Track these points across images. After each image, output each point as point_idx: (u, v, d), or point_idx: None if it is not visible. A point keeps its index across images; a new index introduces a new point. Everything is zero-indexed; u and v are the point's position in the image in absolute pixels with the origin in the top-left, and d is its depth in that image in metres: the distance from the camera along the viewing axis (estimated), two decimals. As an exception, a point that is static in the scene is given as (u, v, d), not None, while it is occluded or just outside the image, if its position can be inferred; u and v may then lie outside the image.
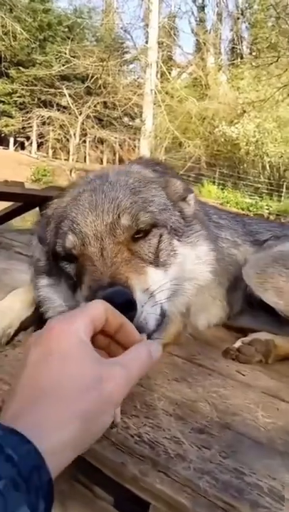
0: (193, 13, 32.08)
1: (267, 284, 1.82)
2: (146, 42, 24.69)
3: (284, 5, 13.40)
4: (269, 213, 21.11)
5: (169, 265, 1.37)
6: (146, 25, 25.01)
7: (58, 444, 0.62)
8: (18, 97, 26.81)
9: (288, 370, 1.65)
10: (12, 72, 25.58)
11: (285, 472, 1.01)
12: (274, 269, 1.85)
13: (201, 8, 32.62)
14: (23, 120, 27.09)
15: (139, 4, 25.46)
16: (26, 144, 28.44)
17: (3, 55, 24.10)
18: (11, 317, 1.64)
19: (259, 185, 26.09)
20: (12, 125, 27.51)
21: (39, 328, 0.78)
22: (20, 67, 25.06)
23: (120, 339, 0.85)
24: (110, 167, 1.59)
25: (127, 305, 1.02)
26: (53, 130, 26.26)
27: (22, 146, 30.42)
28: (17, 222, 5.71)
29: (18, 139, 30.24)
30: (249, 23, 29.78)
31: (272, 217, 19.24)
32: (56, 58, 23.49)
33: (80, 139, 26.92)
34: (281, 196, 25.20)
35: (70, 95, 24.93)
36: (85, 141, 27.47)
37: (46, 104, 26.04)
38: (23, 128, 27.84)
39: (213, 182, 26.17)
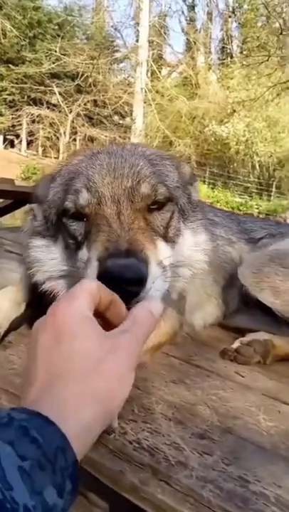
0: (183, 12, 32.12)
1: (263, 284, 1.79)
2: (137, 40, 24.64)
3: (274, 4, 13.39)
4: (259, 212, 21.21)
5: (174, 243, 1.35)
6: (137, 23, 24.97)
7: (81, 424, 0.64)
8: (7, 94, 26.56)
9: (287, 371, 1.61)
10: (2, 69, 25.33)
11: (292, 479, 0.97)
12: (270, 269, 1.81)
13: (192, 7, 32.65)
14: (12, 118, 26.85)
15: (130, 3, 25.41)
16: (16, 141, 28.22)
17: (-8, 53, 23.97)
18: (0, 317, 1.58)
19: (249, 185, 26.21)
20: (1, 123, 27.24)
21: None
22: (10, 65, 24.81)
23: (110, 317, 0.86)
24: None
25: (137, 280, 1.00)
26: (42, 128, 26.11)
27: (12, 144, 30.16)
28: (6, 220, 5.63)
29: (8, 136, 29.98)
30: (239, 23, 29.85)
31: (261, 217, 19.31)
32: (46, 56, 23.35)
33: (70, 137, 26.79)
34: (270, 196, 25.32)
35: (60, 93, 24.81)
36: (75, 140, 27.28)
37: (36, 102, 25.86)
38: (13, 126, 27.62)
39: (204, 181, 26.18)
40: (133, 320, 0.81)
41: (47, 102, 25.80)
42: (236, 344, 1.64)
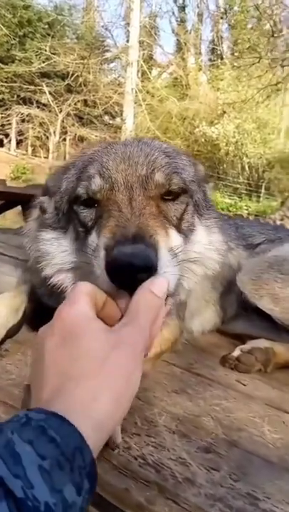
0: (174, 13, 32.08)
1: (262, 291, 1.77)
2: (127, 41, 24.58)
3: (265, 6, 13.45)
4: (248, 214, 21.24)
5: (187, 238, 1.31)
6: (128, 24, 24.91)
7: (94, 423, 0.65)
8: (-3, 93, 26.40)
9: (287, 378, 1.59)
10: (-9, 68, 25.18)
11: (302, 496, 0.94)
12: (269, 275, 1.79)
13: (182, 8, 32.63)
14: (2, 117, 26.61)
15: (120, 3, 25.33)
16: (5, 141, 28.00)
17: (-19, 51, 23.72)
18: (-3, 324, 1.54)
19: (238, 186, 26.26)
20: (-10, 122, 27.09)
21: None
22: (0, 64, 24.65)
23: (104, 316, 0.85)
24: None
25: (146, 267, 0.95)
26: (32, 128, 25.94)
27: (1, 144, 29.94)
28: (-4, 221, 5.58)
29: (-3, 136, 29.82)
30: (229, 24, 29.93)
31: (251, 218, 19.38)
32: (36, 55, 23.13)
33: (60, 137, 26.65)
34: (260, 197, 25.41)
35: (50, 93, 24.65)
36: (65, 139, 27.16)
37: (26, 101, 25.64)
38: (2, 125, 27.37)
39: (193, 182, 26.04)
40: (134, 309, 0.82)
41: (37, 102, 25.61)
42: (237, 352, 1.62)
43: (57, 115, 25.39)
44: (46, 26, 25.14)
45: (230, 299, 1.97)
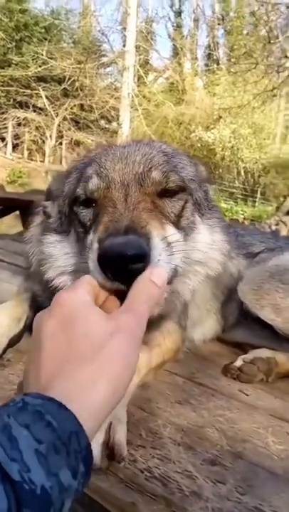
0: (170, 18, 32.23)
1: (263, 301, 1.77)
2: (124, 45, 24.58)
3: (261, 13, 13.52)
4: (244, 218, 21.28)
5: (186, 235, 1.30)
6: (124, 28, 24.93)
7: (91, 407, 0.65)
8: (-7, 97, 26.31)
9: (289, 388, 1.60)
10: (-13, 72, 25.10)
11: (309, 510, 0.94)
12: (270, 285, 1.79)
13: (178, 13, 32.77)
14: (-2, 121, 26.66)
15: (117, 8, 25.42)
16: (1, 144, 27.95)
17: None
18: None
19: (234, 191, 26.30)
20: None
21: None
22: (-4, 68, 24.64)
23: (106, 309, 0.85)
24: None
25: (139, 256, 0.95)
26: (28, 131, 25.91)
27: (-4, 147, 29.89)
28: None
29: (-7, 139, 29.72)
30: (225, 30, 30.06)
31: (246, 223, 19.42)
32: (33, 59, 23.11)
33: (56, 141, 26.63)
34: (255, 202, 25.46)
35: (46, 97, 24.63)
36: (61, 143, 27.13)
37: (22, 105, 25.60)
38: (-2, 129, 27.41)
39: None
40: (134, 297, 0.83)
41: (33, 106, 25.58)
42: (239, 362, 1.62)
43: (53, 119, 25.37)
44: (43, 30, 25.14)
45: (231, 307, 1.98)
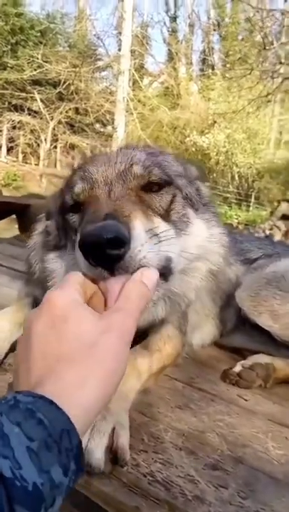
0: (165, 23, 32.36)
1: (261, 308, 1.79)
2: (119, 50, 24.65)
3: (257, 19, 13.62)
4: (238, 223, 21.35)
5: (179, 230, 1.30)
6: (119, 33, 25.01)
7: (82, 405, 0.66)
8: (-13, 100, 26.24)
9: (287, 393, 1.62)
10: (-18, 75, 25.03)
11: (310, 514, 0.96)
12: (267, 292, 1.81)
13: (173, 18, 32.89)
14: (-8, 124, 26.58)
15: (112, 12, 25.47)
16: (-5, 147, 27.93)
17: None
18: (1, 338, 1.55)
19: (228, 195, 26.38)
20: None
21: None
22: (-9, 70, 24.58)
23: (93, 306, 0.85)
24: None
25: (116, 240, 0.94)
26: (23, 135, 25.86)
27: (-9, 150, 29.78)
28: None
29: (-13, 142, 29.59)
30: (220, 36, 30.23)
31: (241, 227, 19.48)
32: (28, 63, 23.05)
33: (51, 145, 26.59)
34: (249, 206, 25.55)
35: (41, 100, 24.59)
36: (56, 147, 27.10)
37: (17, 109, 25.55)
38: (-7, 132, 27.33)
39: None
40: (125, 296, 0.84)
41: (28, 109, 25.53)
42: (238, 368, 1.64)
43: (48, 123, 25.34)
44: (38, 34, 25.11)
45: (229, 313, 1.99)
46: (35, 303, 1.70)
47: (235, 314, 1.98)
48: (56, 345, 0.73)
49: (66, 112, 25.62)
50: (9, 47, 24.06)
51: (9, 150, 26.66)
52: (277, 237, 13.74)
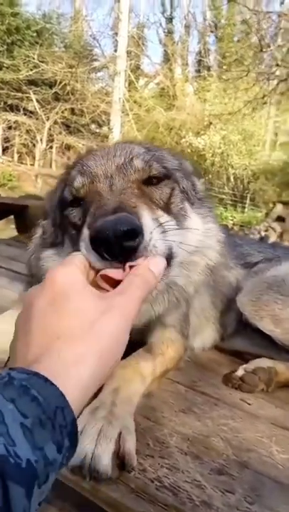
0: (161, 24, 32.36)
1: (262, 312, 1.79)
2: (115, 50, 24.70)
3: (253, 21, 13.66)
4: (233, 224, 21.40)
5: (179, 222, 1.30)
6: (116, 33, 25.04)
7: (79, 383, 0.66)
8: (-17, 100, 26.14)
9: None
10: (-22, 75, 24.94)
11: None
12: (269, 297, 1.82)
13: (169, 19, 32.90)
14: (-13, 124, 26.49)
15: (109, 13, 25.51)
16: (-9, 147, 27.83)
17: None
18: (3, 342, 1.54)
19: (224, 196, 26.42)
20: (-24, 128, 26.81)
21: None
22: (-13, 71, 24.49)
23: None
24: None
25: (131, 232, 0.95)
26: (19, 135, 25.78)
27: (-14, 150, 29.67)
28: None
29: (-18, 142, 29.49)
30: (216, 37, 30.28)
31: (236, 228, 19.52)
32: (24, 63, 23.01)
33: (47, 145, 26.53)
34: (245, 208, 25.61)
35: (37, 100, 24.53)
36: (51, 147, 27.05)
37: (13, 109, 25.46)
38: (-12, 132, 27.22)
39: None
40: (130, 281, 0.84)
41: (24, 109, 25.44)
42: (240, 372, 1.64)
43: (44, 123, 25.27)
44: (34, 34, 25.04)
45: (230, 317, 2.00)
46: None
47: (235, 319, 1.99)
48: (56, 321, 0.72)
49: (62, 112, 25.57)
50: (5, 47, 23.96)
51: (4, 150, 26.58)
52: (273, 238, 13.78)
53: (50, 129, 25.85)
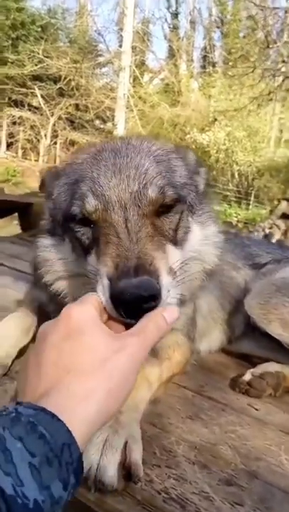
0: (166, 19, 32.26)
1: (271, 316, 1.76)
2: (120, 46, 24.64)
3: (259, 17, 13.57)
4: (237, 221, 21.33)
5: (184, 242, 1.32)
6: (121, 29, 24.97)
7: (85, 420, 0.67)
8: (-13, 95, 26.09)
9: (297, 402, 1.60)
10: (-18, 70, 24.88)
11: None
12: (277, 300, 1.78)
13: (175, 15, 32.79)
14: (-8, 119, 26.46)
15: (114, 8, 25.41)
16: (-5, 143, 27.82)
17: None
18: (7, 346, 1.52)
19: (228, 193, 26.34)
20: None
21: None
22: (-8, 65, 24.45)
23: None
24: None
25: (152, 297, 0.97)
26: (23, 130, 25.78)
27: (-10, 145, 29.67)
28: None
29: (-13, 137, 29.47)
30: (222, 33, 30.14)
31: (240, 225, 19.46)
32: (29, 58, 22.96)
33: (51, 141, 26.51)
34: (249, 204, 25.52)
35: (42, 96, 24.52)
36: (56, 143, 27.00)
37: (17, 104, 25.43)
38: (-7, 127, 27.21)
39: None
40: (144, 325, 0.86)
41: (28, 104, 25.42)
42: (248, 376, 1.61)
43: (48, 118, 25.26)
44: (39, 29, 25.00)
45: (237, 319, 1.97)
46: (42, 308, 1.67)
47: (243, 321, 1.96)
48: (68, 355, 0.74)
49: (66, 108, 25.56)
50: (10, 42, 23.96)
51: (9, 145, 26.60)
52: (277, 236, 13.72)
53: (54, 125, 25.84)
